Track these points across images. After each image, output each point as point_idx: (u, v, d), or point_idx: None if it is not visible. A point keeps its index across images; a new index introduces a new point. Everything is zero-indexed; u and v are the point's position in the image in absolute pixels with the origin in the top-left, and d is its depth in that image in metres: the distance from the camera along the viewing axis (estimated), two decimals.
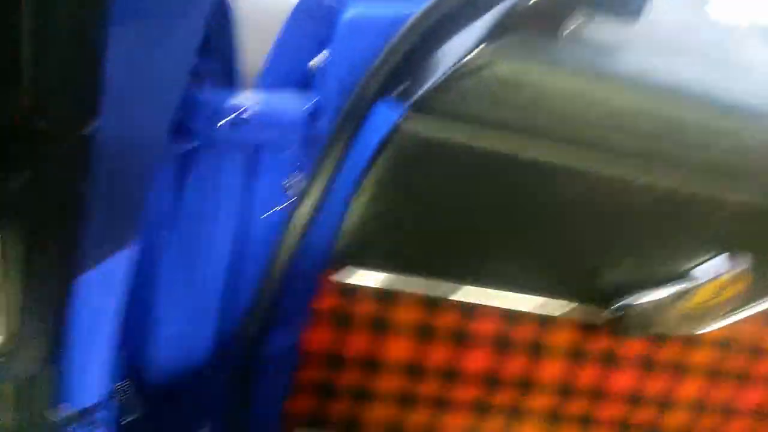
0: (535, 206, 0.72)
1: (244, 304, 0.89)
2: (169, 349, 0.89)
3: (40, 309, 0.40)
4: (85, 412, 0.71)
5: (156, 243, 0.81)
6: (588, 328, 0.77)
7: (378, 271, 0.73)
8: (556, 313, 0.76)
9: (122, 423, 0.88)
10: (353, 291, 0.72)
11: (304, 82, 0.85)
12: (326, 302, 0.72)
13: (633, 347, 0.79)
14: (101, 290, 0.70)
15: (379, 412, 0.78)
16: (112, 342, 0.73)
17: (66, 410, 0.69)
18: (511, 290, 0.75)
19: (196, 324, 0.83)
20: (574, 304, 0.76)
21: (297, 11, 0.85)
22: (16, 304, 0.38)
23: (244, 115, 0.76)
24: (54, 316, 0.41)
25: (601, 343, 0.78)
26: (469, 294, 0.74)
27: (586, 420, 0.82)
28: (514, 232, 0.74)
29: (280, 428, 0.79)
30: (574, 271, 0.75)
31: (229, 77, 0.86)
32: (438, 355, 0.76)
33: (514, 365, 0.78)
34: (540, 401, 0.80)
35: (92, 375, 0.72)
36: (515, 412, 0.80)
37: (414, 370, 0.76)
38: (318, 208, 0.73)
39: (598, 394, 0.80)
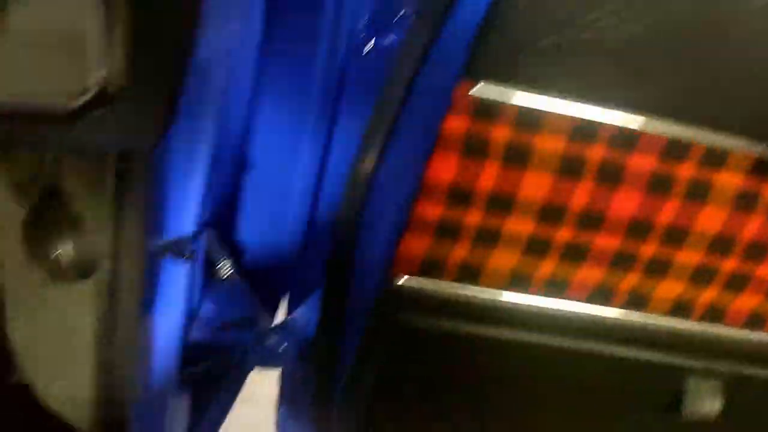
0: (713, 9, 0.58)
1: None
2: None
3: (153, 53, 0.29)
4: (178, 242, 0.63)
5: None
6: (763, 170, 0.64)
7: (520, 89, 0.60)
8: (730, 148, 0.63)
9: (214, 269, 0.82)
10: (489, 112, 0.60)
11: None
12: (457, 124, 0.61)
13: None
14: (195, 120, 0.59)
15: (502, 260, 0.68)
16: (204, 174, 0.63)
17: (161, 239, 0.61)
18: (676, 120, 0.62)
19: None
20: (751, 140, 0.63)
21: None
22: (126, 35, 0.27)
23: None
24: (168, 71, 0.30)
25: None
26: (626, 121, 0.62)
27: (740, 280, 0.71)
28: (685, 43, 0.60)
29: (387, 273, 0.70)
30: (762, 97, 0.62)
31: None
32: (581, 193, 0.64)
33: (669, 210, 0.66)
34: (690, 255, 0.69)
35: (185, 205, 0.64)
36: (659, 267, 0.70)
37: (551, 212, 0.65)
38: (448, 13, 0.60)
39: (762, 250, 0.69)
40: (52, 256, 0.55)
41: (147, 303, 0.60)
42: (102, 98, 0.28)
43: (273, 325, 0.85)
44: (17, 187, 0.62)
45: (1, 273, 0.79)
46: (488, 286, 0.70)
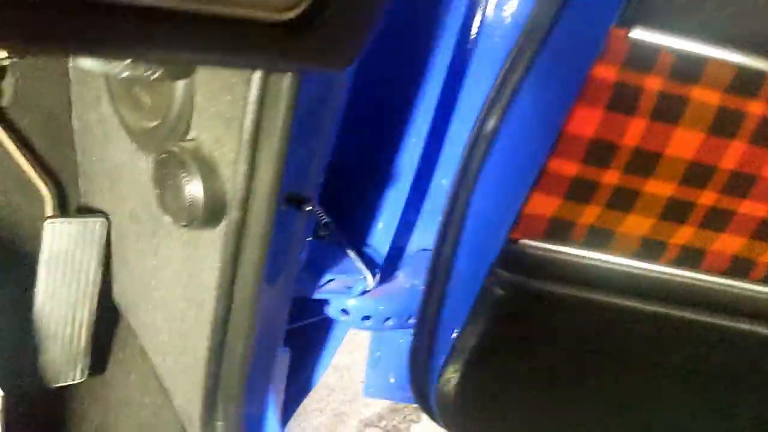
0: None
1: None
2: None
3: None
4: (300, 195, 0.60)
5: None
6: None
7: (678, 35, 0.55)
8: None
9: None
10: (643, 60, 0.55)
11: None
12: (605, 74, 0.56)
13: None
14: None
15: (636, 225, 0.64)
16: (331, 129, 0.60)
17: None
18: None
19: None
20: None
21: None
22: None
23: None
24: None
25: None
26: None
27: None
28: None
29: (508, 234, 0.66)
30: None
31: None
32: (733, 153, 0.59)
33: None
34: None
35: (309, 158, 0.61)
36: None
37: (696, 173, 0.60)
38: None
39: None
40: (182, 201, 0.53)
41: (269, 254, 0.57)
42: (313, 13, 0.25)
43: (372, 287, 0.83)
44: (147, 131, 0.60)
45: (116, 222, 0.79)
46: (617, 253, 0.66)
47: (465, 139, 0.70)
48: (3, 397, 0.71)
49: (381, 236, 0.86)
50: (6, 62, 0.75)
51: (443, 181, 0.85)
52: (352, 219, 0.88)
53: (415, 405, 1.72)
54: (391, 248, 0.87)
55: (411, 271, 0.85)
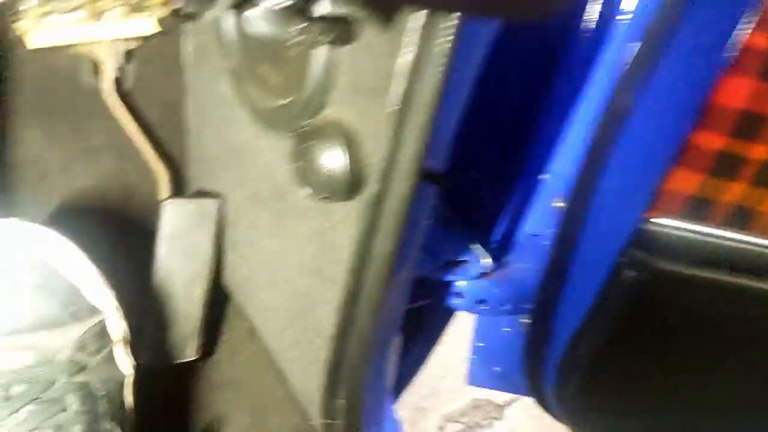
0: None
1: None
2: None
3: None
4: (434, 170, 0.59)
5: None
6: None
7: None
8: None
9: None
10: None
11: None
12: (758, 41, 0.53)
13: None
14: None
15: None
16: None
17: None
18: None
19: None
20: None
21: None
22: None
23: None
24: None
25: None
26: None
27: None
28: None
29: (642, 213, 0.64)
30: None
31: None
32: None
33: None
34: None
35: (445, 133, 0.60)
36: None
37: None
38: None
39: None
40: (323, 173, 0.53)
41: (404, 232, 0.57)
42: None
43: (487, 269, 0.81)
44: (275, 110, 0.61)
45: (231, 204, 0.80)
46: (761, 233, 0.62)
47: (584, 119, 0.68)
48: (135, 367, 0.73)
49: (493, 220, 0.85)
50: (132, 46, 0.77)
51: (555, 165, 0.83)
52: (462, 202, 0.87)
53: (499, 403, 1.69)
54: (503, 233, 0.85)
55: (522, 257, 0.84)
